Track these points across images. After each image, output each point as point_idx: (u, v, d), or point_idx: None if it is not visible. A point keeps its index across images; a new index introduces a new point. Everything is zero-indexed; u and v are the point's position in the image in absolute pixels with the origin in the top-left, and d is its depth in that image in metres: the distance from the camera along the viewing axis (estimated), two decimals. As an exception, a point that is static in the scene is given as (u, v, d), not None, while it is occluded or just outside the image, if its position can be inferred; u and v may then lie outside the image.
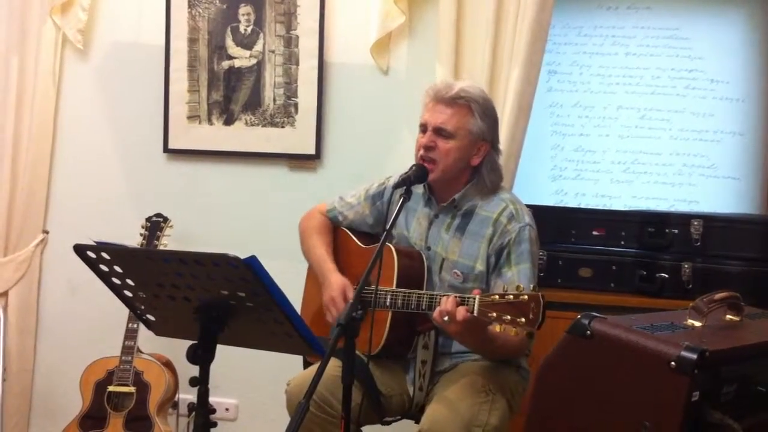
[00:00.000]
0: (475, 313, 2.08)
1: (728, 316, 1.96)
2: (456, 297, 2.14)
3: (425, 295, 2.31)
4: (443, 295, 2.21)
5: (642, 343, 1.69)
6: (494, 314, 2.05)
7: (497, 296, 2.07)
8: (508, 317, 2.03)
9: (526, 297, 2.03)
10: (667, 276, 3.02)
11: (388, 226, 2.24)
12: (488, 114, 2.46)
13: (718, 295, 1.91)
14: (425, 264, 2.48)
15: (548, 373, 1.86)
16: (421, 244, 2.53)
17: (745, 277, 2.93)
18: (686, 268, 2.99)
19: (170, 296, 1.91)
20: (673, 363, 1.60)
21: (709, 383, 1.64)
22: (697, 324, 1.86)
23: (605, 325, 1.76)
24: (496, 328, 2.06)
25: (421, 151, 2.43)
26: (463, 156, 2.43)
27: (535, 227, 2.44)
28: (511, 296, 2.05)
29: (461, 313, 2.10)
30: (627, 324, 1.77)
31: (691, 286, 2.98)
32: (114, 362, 3.19)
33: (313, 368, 1.87)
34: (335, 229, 2.74)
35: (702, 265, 2.99)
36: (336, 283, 2.51)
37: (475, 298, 2.10)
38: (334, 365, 1.98)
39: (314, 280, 2.68)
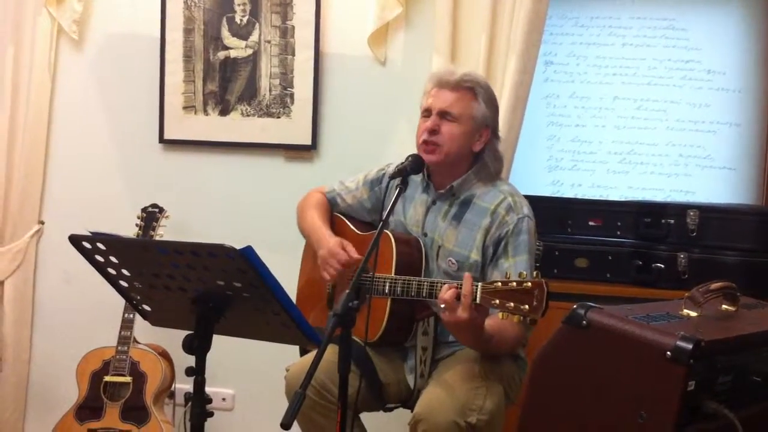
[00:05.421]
0: (478, 300, 2.08)
1: (724, 306, 1.96)
2: (456, 287, 2.12)
3: (425, 283, 2.29)
4: (444, 283, 2.20)
5: (638, 333, 1.68)
6: (497, 301, 2.04)
7: (500, 283, 2.06)
8: (512, 304, 2.02)
9: (529, 284, 2.02)
10: (663, 266, 3.02)
11: (384, 216, 2.23)
12: (491, 100, 2.46)
13: (714, 285, 1.90)
14: (423, 251, 2.47)
15: (544, 364, 1.85)
16: (417, 230, 2.52)
17: (741, 267, 2.93)
18: (682, 258, 3.00)
19: (166, 287, 1.91)
20: (668, 353, 1.60)
21: (705, 373, 1.64)
22: (693, 314, 1.85)
23: (601, 315, 1.76)
24: (500, 315, 2.05)
25: (425, 135, 2.41)
26: (467, 141, 2.43)
27: (533, 219, 2.43)
28: (514, 283, 2.04)
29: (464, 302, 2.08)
30: (623, 314, 1.77)
31: (687, 276, 2.98)
32: (110, 352, 3.19)
33: (313, 354, 1.87)
34: (332, 214, 2.73)
35: (698, 256, 2.99)
36: (332, 239, 2.50)
37: (477, 285, 2.09)
38: (334, 351, 1.97)
39: (310, 258, 2.66)
